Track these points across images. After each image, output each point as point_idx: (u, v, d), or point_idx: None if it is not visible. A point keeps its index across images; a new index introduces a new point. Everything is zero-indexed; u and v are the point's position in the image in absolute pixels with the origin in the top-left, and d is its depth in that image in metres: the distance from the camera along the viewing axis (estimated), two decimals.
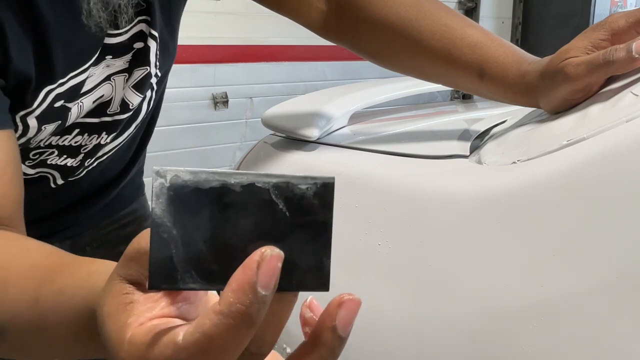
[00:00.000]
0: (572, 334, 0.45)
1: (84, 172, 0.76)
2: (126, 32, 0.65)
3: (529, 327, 0.47)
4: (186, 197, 0.26)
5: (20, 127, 0.60)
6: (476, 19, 3.36)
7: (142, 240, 0.30)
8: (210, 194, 0.26)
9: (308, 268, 0.27)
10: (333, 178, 0.27)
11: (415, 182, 0.63)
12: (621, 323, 0.43)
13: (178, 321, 0.30)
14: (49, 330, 0.42)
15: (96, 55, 0.63)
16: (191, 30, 2.43)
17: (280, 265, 0.26)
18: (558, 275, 0.47)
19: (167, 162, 2.52)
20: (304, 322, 0.31)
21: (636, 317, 0.43)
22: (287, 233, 0.26)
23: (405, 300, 0.57)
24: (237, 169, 0.95)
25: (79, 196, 0.81)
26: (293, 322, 0.71)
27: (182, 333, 0.27)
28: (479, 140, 0.74)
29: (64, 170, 0.72)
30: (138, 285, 0.31)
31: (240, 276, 0.26)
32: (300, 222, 0.27)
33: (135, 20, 0.65)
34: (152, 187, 0.26)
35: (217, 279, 0.26)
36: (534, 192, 0.51)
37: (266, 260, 0.25)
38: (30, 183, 0.70)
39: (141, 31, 0.66)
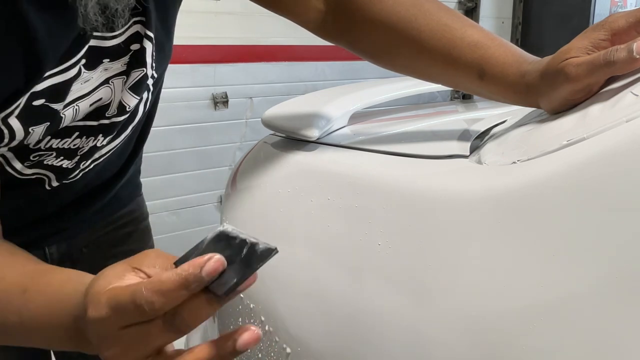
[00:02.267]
0: (572, 334, 0.45)
1: (80, 174, 0.75)
2: (122, 34, 0.64)
3: (529, 327, 0.47)
4: (221, 237, 0.46)
5: (6, 132, 0.60)
6: (476, 19, 3.36)
7: (162, 252, 0.48)
8: (228, 238, 0.46)
9: (223, 282, 0.43)
10: (276, 248, 0.43)
11: (415, 182, 0.63)
12: (621, 323, 0.43)
13: None
14: (31, 318, 0.51)
15: (80, 55, 0.62)
16: (191, 30, 2.43)
17: (221, 268, 0.42)
18: (558, 276, 0.47)
19: (167, 162, 2.52)
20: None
21: (636, 317, 0.42)
22: (235, 263, 0.43)
23: (405, 300, 0.57)
24: (237, 169, 0.95)
25: (76, 197, 0.81)
26: (294, 325, 0.71)
27: (147, 280, 0.43)
28: (479, 140, 0.74)
29: (59, 172, 0.72)
30: (136, 270, 0.45)
31: (197, 259, 0.42)
32: (244, 261, 0.43)
33: (131, 22, 0.65)
34: (217, 230, 0.47)
35: None
36: (534, 192, 0.51)
37: (215, 258, 0.42)
38: (25, 185, 0.70)
39: (137, 32, 0.66)
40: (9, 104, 0.58)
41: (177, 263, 0.45)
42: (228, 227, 0.47)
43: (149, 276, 0.45)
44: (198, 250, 0.46)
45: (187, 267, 0.41)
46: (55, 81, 0.61)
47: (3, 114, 0.58)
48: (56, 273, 0.54)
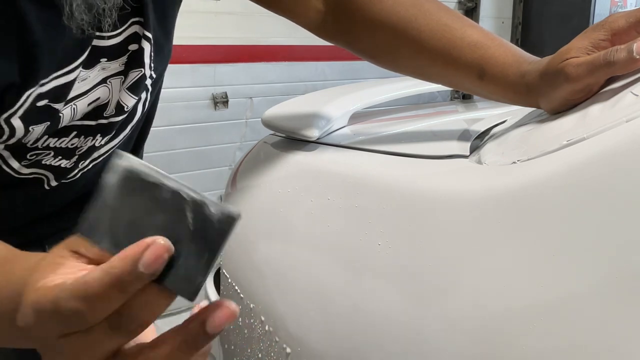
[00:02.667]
0: (572, 335, 0.45)
1: (79, 173, 0.75)
2: (119, 34, 0.64)
3: (529, 327, 0.47)
4: (132, 181, 0.32)
5: (7, 130, 0.60)
6: (476, 19, 3.36)
7: None
8: (148, 186, 0.32)
9: (186, 276, 0.32)
10: (239, 215, 0.31)
11: (415, 182, 0.63)
12: (621, 323, 0.43)
13: None
14: None
15: (84, 57, 0.62)
16: (191, 30, 2.43)
17: (166, 256, 0.31)
18: (558, 276, 0.47)
19: (167, 162, 2.52)
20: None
21: (637, 317, 0.42)
22: (183, 240, 0.31)
23: (405, 300, 0.57)
24: (237, 169, 0.95)
25: (75, 197, 0.81)
26: (294, 324, 0.72)
27: (72, 279, 0.34)
28: (479, 140, 0.74)
29: (57, 172, 0.72)
30: (76, 255, 0.36)
31: (130, 250, 0.32)
32: (197, 236, 0.31)
33: (129, 22, 0.64)
34: (111, 164, 0.32)
35: (119, 249, 0.32)
36: (534, 192, 0.51)
37: (154, 246, 0.31)
38: (24, 184, 0.70)
39: (135, 33, 0.66)
40: (11, 104, 0.58)
41: (85, 234, 0.34)
42: (134, 162, 0.32)
43: (91, 261, 0.36)
44: (108, 210, 0.32)
45: (118, 263, 0.32)
46: (60, 82, 0.61)
47: (6, 114, 0.58)
48: (15, 261, 0.45)
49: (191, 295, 0.32)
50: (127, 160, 0.32)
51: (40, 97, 0.60)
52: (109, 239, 0.33)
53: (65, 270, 0.35)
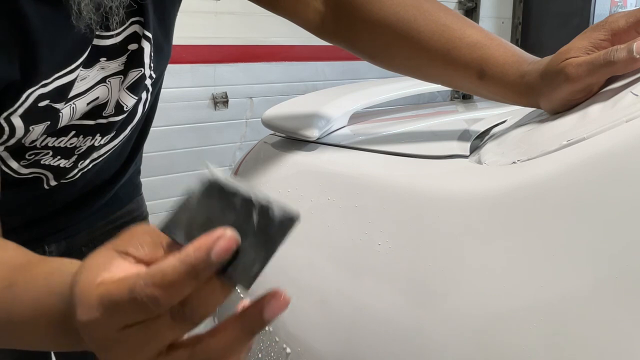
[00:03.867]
0: (572, 335, 0.45)
1: (79, 173, 0.75)
2: (119, 33, 0.64)
3: (529, 327, 0.47)
4: (213, 190, 0.37)
5: (7, 129, 0.60)
6: (476, 19, 3.36)
7: (145, 225, 0.39)
8: (226, 194, 0.36)
9: (245, 267, 0.35)
10: (298, 216, 0.35)
11: (415, 182, 0.63)
12: (622, 324, 0.43)
13: None
14: (18, 315, 0.45)
15: (84, 56, 0.62)
16: (191, 30, 2.43)
17: (234, 247, 0.34)
18: (558, 276, 0.47)
19: (167, 162, 2.52)
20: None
21: (636, 317, 0.42)
22: (248, 236, 0.35)
23: (404, 300, 0.57)
24: (237, 169, 0.95)
25: (75, 197, 0.81)
26: (294, 324, 0.71)
27: (144, 269, 0.36)
28: (479, 140, 0.74)
29: (57, 171, 0.72)
30: (124, 255, 0.38)
31: (203, 239, 0.34)
32: (259, 234, 0.35)
33: (129, 22, 0.64)
34: (200, 177, 0.37)
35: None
36: (534, 192, 0.51)
37: (225, 237, 0.34)
38: (23, 183, 0.70)
39: (135, 32, 0.66)
40: (11, 103, 0.58)
41: (166, 230, 0.37)
42: (218, 175, 0.37)
43: (138, 260, 0.38)
44: (188, 211, 0.37)
45: (192, 252, 0.34)
46: (62, 82, 0.61)
47: (6, 113, 0.58)
48: (44, 264, 0.47)
49: (247, 284, 0.35)
50: (213, 173, 0.37)
51: (41, 97, 0.60)
52: (185, 235, 0.37)
53: (116, 268, 0.37)
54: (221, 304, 0.36)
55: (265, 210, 0.35)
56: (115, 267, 0.37)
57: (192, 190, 0.37)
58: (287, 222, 0.35)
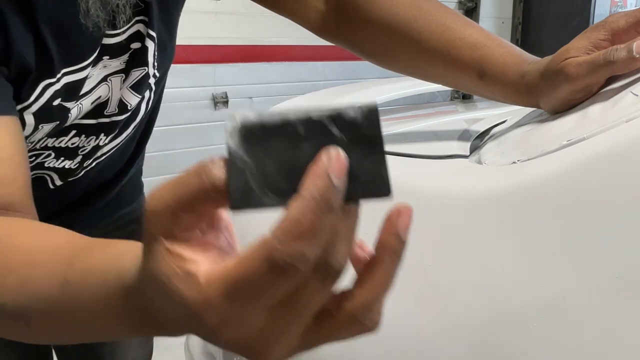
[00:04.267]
0: (572, 335, 0.45)
1: (82, 172, 0.75)
2: (123, 32, 0.64)
3: (529, 327, 0.47)
4: (254, 132, 0.30)
5: None
6: (476, 19, 3.36)
7: (158, 193, 0.31)
8: (274, 129, 0.30)
9: (370, 179, 0.30)
10: (375, 103, 0.30)
11: (415, 182, 0.63)
12: (622, 324, 0.43)
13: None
14: (79, 312, 0.41)
15: (95, 55, 0.63)
16: (191, 30, 2.43)
17: (345, 163, 0.29)
18: (558, 276, 0.47)
19: (167, 162, 2.52)
20: (356, 260, 0.33)
21: (636, 317, 0.42)
22: (346, 152, 0.29)
23: (404, 300, 0.57)
24: None
25: (78, 196, 0.81)
26: None
27: (266, 231, 0.29)
28: (479, 140, 0.74)
29: (62, 172, 0.72)
30: (172, 239, 0.31)
31: (314, 168, 0.29)
32: (355, 141, 0.30)
33: (133, 21, 0.65)
34: (226, 129, 0.30)
35: (289, 194, 0.29)
36: (534, 192, 0.51)
37: (332, 154, 0.29)
38: None
39: (138, 31, 0.66)
40: (27, 95, 0.59)
41: (240, 206, 0.30)
42: (245, 116, 0.30)
43: (190, 232, 0.31)
44: (244, 175, 0.29)
45: (312, 185, 0.28)
46: (72, 79, 0.62)
47: (20, 107, 0.59)
48: (95, 255, 0.41)
49: (388, 191, 0.31)
50: (239, 117, 0.30)
51: (55, 95, 0.61)
52: (268, 194, 0.30)
53: (195, 256, 0.31)
54: (355, 231, 0.32)
55: (338, 118, 0.30)
56: (192, 255, 0.31)
57: (232, 148, 0.30)
58: (371, 114, 0.30)
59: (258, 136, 0.30)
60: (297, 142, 0.30)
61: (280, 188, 0.30)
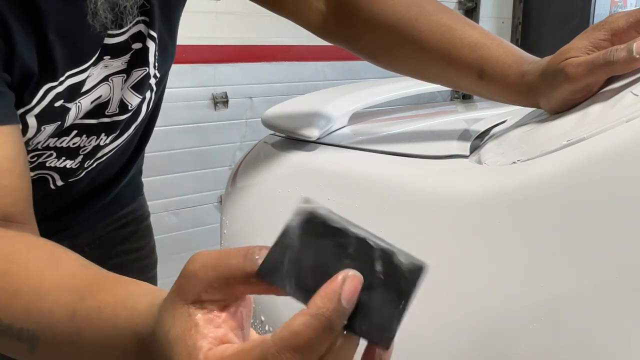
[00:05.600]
0: (572, 335, 0.45)
1: (83, 172, 0.76)
2: (124, 32, 0.64)
3: (529, 327, 0.47)
4: (316, 225, 0.32)
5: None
6: (476, 19, 3.36)
7: (202, 257, 0.34)
8: (333, 231, 0.32)
9: (380, 323, 0.31)
10: (425, 264, 0.31)
11: (415, 182, 0.63)
12: (622, 324, 0.43)
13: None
14: (85, 347, 0.42)
15: (96, 56, 0.63)
16: (191, 30, 2.43)
17: (359, 287, 0.31)
18: (558, 276, 0.47)
19: (167, 162, 2.52)
20: None
21: (637, 317, 0.42)
22: (375, 287, 0.31)
23: None
24: (237, 168, 0.95)
25: (78, 196, 0.81)
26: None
27: (269, 335, 0.31)
28: (479, 140, 0.74)
29: (63, 172, 0.72)
30: (198, 304, 0.34)
31: (328, 287, 0.30)
32: (388, 284, 0.31)
33: (134, 21, 0.65)
34: (296, 208, 0.32)
35: (307, 293, 0.31)
36: (534, 192, 0.51)
37: (349, 278, 0.30)
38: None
39: (139, 32, 0.66)
40: (29, 99, 0.59)
41: (266, 277, 0.32)
42: (318, 206, 0.32)
43: (216, 304, 0.33)
44: (289, 252, 0.32)
45: (322, 302, 0.30)
46: (75, 81, 0.62)
47: (23, 110, 0.59)
48: (107, 293, 0.42)
49: (389, 343, 0.32)
50: (312, 204, 0.32)
51: (57, 97, 0.61)
52: (292, 281, 0.32)
53: (204, 331, 0.33)
54: (352, 359, 0.33)
55: (389, 257, 0.31)
56: (203, 329, 0.33)
57: (290, 226, 0.32)
58: (416, 272, 0.31)
59: (316, 230, 0.32)
60: (342, 254, 0.32)
61: (304, 283, 0.32)
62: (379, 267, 0.31)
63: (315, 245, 0.32)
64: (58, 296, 0.44)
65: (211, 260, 0.33)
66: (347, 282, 0.30)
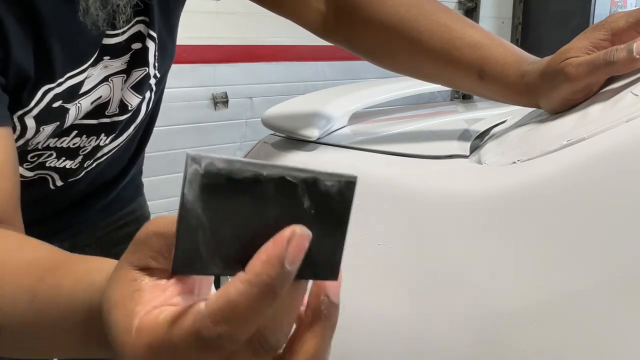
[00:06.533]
0: (572, 335, 0.45)
1: (83, 172, 0.76)
2: (124, 32, 0.64)
3: (529, 327, 0.47)
4: (218, 185, 0.26)
5: (18, 128, 0.60)
6: (476, 19, 3.36)
7: (154, 224, 0.31)
8: (242, 184, 0.27)
9: (324, 260, 0.29)
10: (355, 177, 0.28)
11: (415, 182, 0.63)
12: (622, 324, 0.43)
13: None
14: (46, 327, 0.41)
15: (95, 56, 0.63)
16: (191, 30, 2.43)
17: (307, 245, 0.27)
18: (558, 276, 0.47)
19: (167, 162, 2.52)
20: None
21: (637, 317, 0.42)
22: (309, 227, 0.27)
23: (404, 300, 0.57)
24: None
25: (78, 197, 0.81)
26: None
27: (202, 303, 0.28)
28: (479, 140, 0.74)
29: (63, 172, 0.72)
30: (146, 270, 0.31)
31: (270, 249, 0.27)
32: (321, 216, 0.28)
33: (133, 21, 0.65)
34: (185, 173, 0.26)
35: (238, 265, 0.27)
36: (534, 192, 0.51)
37: (296, 237, 0.27)
38: (29, 185, 0.70)
39: (139, 32, 0.66)
40: (27, 102, 0.59)
41: (181, 270, 0.28)
42: (212, 161, 0.26)
43: (163, 272, 0.31)
44: (195, 234, 0.27)
45: (261, 267, 0.27)
46: (74, 82, 0.62)
47: (21, 112, 0.59)
48: (67, 270, 0.41)
49: (335, 276, 0.29)
50: (203, 161, 0.26)
51: (56, 97, 0.60)
52: (216, 262, 0.28)
53: (147, 297, 0.31)
54: (299, 309, 0.30)
55: (314, 186, 0.27)
56: (146, 293, 0.31)
57: (188, 200, 0.26)
58: (347, 189, 0.28)
59: (221, 190, 0.26)
60: (262, 205, 0.27)
61: (230, 257, 0.27)
62: (306, 202, 0.27)
63: (228, 210, 0.27)
64: (19, 280, 0.42)
65: (163, 227, 0.31)
66: (292, 243, 0.27)
